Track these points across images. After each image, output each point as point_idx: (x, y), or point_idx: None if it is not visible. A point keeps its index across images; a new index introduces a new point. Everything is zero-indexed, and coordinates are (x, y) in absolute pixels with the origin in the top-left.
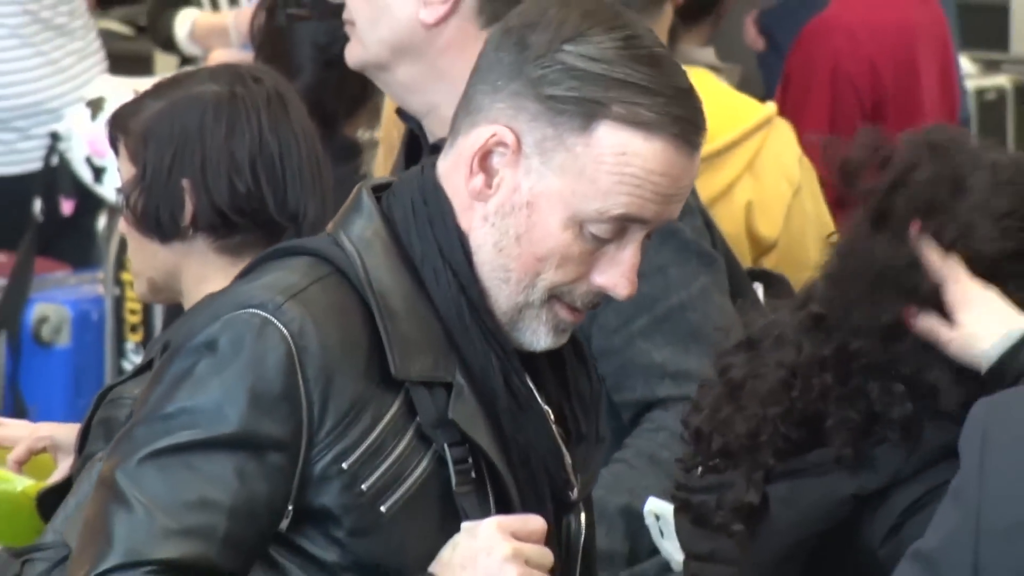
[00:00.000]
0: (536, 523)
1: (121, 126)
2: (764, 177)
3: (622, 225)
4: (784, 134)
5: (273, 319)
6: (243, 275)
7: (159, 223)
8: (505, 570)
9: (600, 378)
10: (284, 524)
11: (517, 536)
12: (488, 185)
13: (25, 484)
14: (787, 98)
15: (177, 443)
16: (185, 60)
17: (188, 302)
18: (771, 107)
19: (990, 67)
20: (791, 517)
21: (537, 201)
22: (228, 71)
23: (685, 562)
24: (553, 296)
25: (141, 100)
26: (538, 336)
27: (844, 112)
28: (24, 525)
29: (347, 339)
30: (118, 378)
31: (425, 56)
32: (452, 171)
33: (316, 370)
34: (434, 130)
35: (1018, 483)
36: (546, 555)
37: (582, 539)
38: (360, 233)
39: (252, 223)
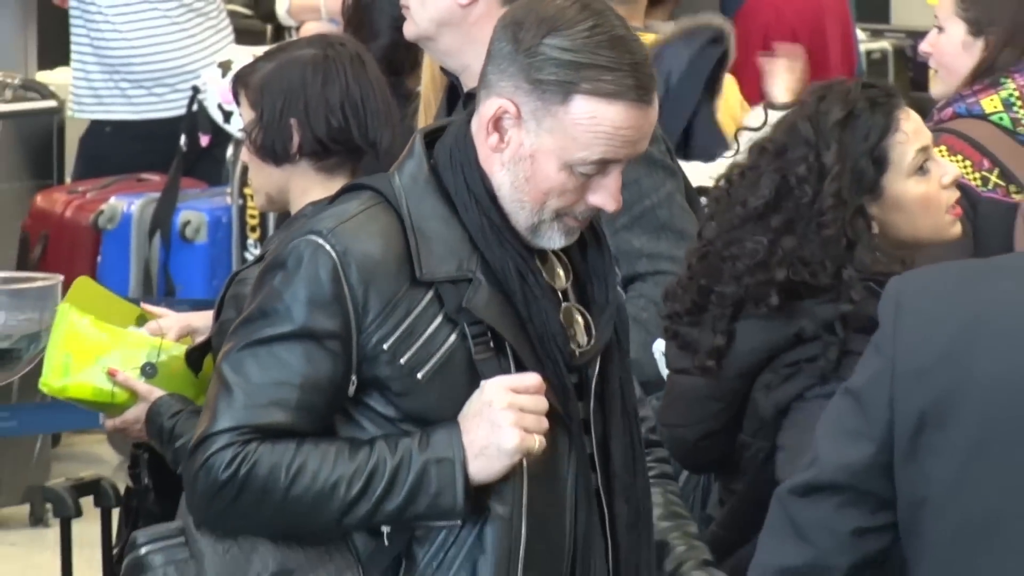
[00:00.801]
0: (531, 379)
1: (242, 82)
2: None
3: (603, 164)
4: (731, 86)
5: (324, 243)
6: (329, 202)
7: (274, 152)
8: (502, 416)
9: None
10: (351, 391)
11: (516, 390)
12: (501, 141)
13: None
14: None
15: (261, 337)
16: (278, 29)
17: (294, 209)
18: None
19: (876, 35)
20: (747, 349)
21: (536, 154)
22: (320, 39)
23: (668, 376)
24: (560, 213)
25: (256, 63)
26: (553, 240)
27: None
28: (185, 378)
29: (384, 253)
30: (242, 265)
31: (460, 28)
32: (478, 130)
33: (357, 278)
34: (467, 83)
35: (921, 340)
36: (540, 402)
37: (594, 380)
38: (409, 173)
39: (343, 149)
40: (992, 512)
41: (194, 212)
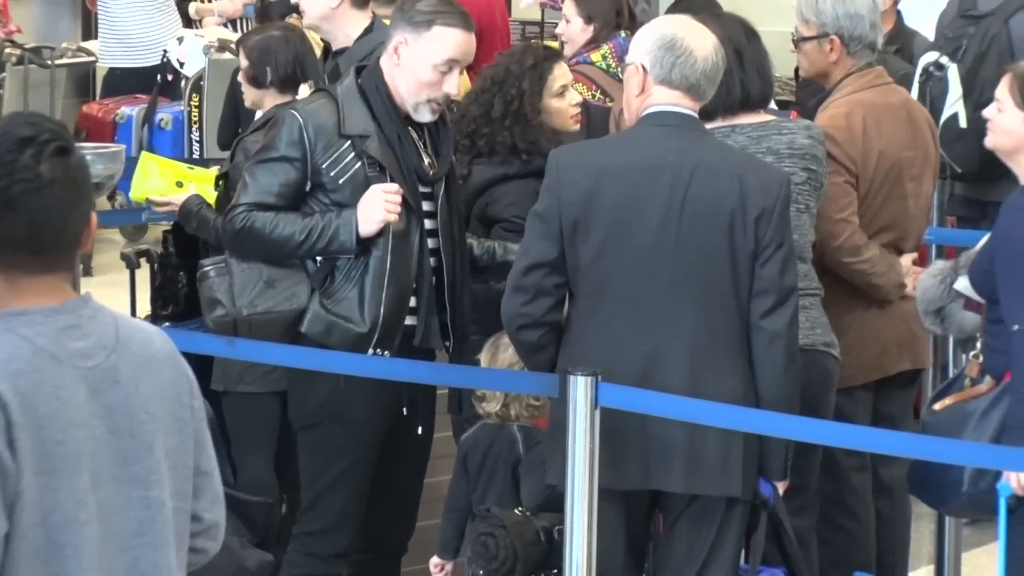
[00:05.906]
0: (393, 187)
1: (243, 44)
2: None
3: (449, 65)
4: None
5: (296, 113)
6: (304, 100)
7: (256, 81)
8: (376, 202)
9: (448, 129)
10: (308, 188)
11: (385, 191)
12: (397, 59)
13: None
14: None
15: (262, 159)
16: (188, 22)
17: (264, 109)
18: None
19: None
20: (478, 180)
21: (413, 64)
22: (282, 27)
23: None
24: (428, 99)
25: (250, 34)
26: (425, 117)
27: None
28: (208, 191)
29: (327, 120)
30: (240, 134)
31: (332, 19)
32: (385, 58)
33: (312, 131)
34: (335, 46)
35: (571, 184)
36: (397, 199)
37: (440, 193)
38: (345, 85)
39: (286, 81)
40: (608, 273)
41: (165, 113)
